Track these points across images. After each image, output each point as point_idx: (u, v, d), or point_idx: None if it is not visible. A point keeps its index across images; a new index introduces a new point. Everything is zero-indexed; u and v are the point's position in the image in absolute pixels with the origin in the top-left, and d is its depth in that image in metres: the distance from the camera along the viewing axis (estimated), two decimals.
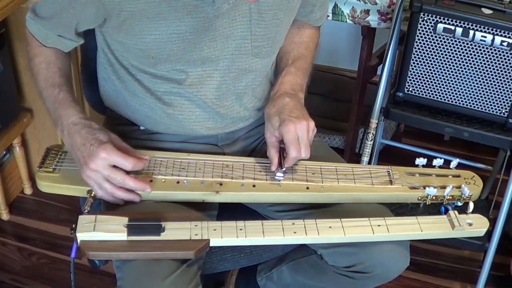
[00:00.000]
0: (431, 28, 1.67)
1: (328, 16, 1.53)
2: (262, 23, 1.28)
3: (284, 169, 1.27)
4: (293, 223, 1.17)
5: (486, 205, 2.01)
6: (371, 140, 1.93)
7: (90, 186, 1.21)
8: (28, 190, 2.30)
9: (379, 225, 1.18)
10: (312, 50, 1.47)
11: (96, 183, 1.19)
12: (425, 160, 1.31)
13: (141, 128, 1.41)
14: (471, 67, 1.68)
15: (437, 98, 1.77)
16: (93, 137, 1.19)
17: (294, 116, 1.26)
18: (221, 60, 1.28)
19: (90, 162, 1.17)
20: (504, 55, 1.63)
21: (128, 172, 1.21)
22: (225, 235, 1.14)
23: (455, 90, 1.74)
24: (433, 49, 1.70)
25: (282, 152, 1.28)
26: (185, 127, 1.36)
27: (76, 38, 1.31)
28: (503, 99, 1.70)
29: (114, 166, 1.18)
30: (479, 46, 1.65)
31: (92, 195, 1.22)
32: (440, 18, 1.64)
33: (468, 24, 1.63)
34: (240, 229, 1.15)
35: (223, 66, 1.29)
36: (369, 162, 1.97)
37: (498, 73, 1.67)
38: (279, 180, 1.27)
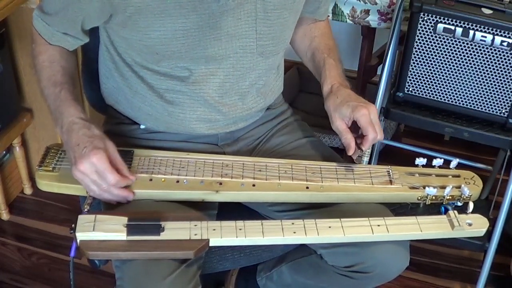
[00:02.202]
0: (431, 28, 1.66)
1: (328, 16, 1.55)
2: (268, 22, 1.28)
3: (363, 151, 1.31)
4: (293, 223, 1.17)
5: (486, 205, 2.01)
6: None
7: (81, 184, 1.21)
8: (28, 190, 2.30)
9: (378, 225, 1.18)
10: (333, 38, 1.52)
11: (85, 184, 1.20)
12: (425, 160, 1.31)
13: (142, 127, 1.41)
14: (471, 67, 1.68)
15: (437, 98, 1.76)
16: (89, 140, 1.19)
17: (362, 102, 1.31)
18: (225, 59, 1.28)
19: (79, 163, 1.17)
20: (504, 55, 1.63)
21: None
22: (225, 235, 1.14)
23: (455, 90, 1.73)
24: (433, 49, 1.69)
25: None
26: (186, 125, 1.36)
27: (81, 36, 1.31)
28: (503, 99, 1.70)
29: None
30: (479, 46, 1.64)
31: None
32: (440, 18, 1.64)
33: (468, 24, 1.63)
34: (240, 229, 1.15)
35: (227, 65, 1.30)
36: (369, 162, 1.97)
37: (498, 73, 1.66)
38: (359, 162, 1.32)
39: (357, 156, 1.31)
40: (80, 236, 1.12)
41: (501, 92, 1.69)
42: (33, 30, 1.34)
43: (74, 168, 1.18)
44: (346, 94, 1.34)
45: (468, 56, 1.67)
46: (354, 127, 1.31)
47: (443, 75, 1.72)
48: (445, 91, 1.75)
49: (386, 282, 1.36)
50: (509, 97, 1.69)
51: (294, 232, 1.16)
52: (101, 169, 1.17)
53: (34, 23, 1.32)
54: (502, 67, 1.65)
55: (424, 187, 1.27)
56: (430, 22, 1.66)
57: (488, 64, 1.66)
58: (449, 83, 1.73)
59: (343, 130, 1.31)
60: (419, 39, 1.69)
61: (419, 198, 1.29)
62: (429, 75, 1.74)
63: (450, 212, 1.21)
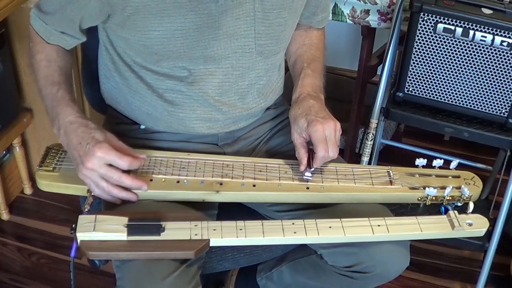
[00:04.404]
0: (431, 28, 1.67)
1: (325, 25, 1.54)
2: (266, 22, 1.28)
3: (312, 169, 1.28)
4: (293, 223, 1.17)
5: (486, 205, 2.01)
6: (371, 140, 1.93)
7: (87, 185, 1.21)
8: (28, 190, 2.30)
9: (379, 225, 1.18)
10: (323, 50, 1.49)
11: (93, 182, 1.19)
12: (425, 160, 1.31)
13: (142, 127, 1.41)
14: (471, 67, 1.68)
15: (437, 98, 1.77)
16: (90, 136, 1.19)
17: (321, 117, 1.28)
18: (224, 58, 1.28)
19: (86, 161, 1.17)
20: (504, 55, 1.63)
21: (128, 172, 1.21)
22: (225, 235, 1.14)
23: (455, 90, 1.74)
24: (433, 49, 1.69)
25: (310, 153, 1.29)
26: (186, 125, 1.36)
27: (79, 35, 1.31)
28: (503, 99, 1.70)
29: (111, 165, 1.19)
30: (479, 46, 1.65)
31: (92, 194, 1.22)
32: (440, 18, 1.64)
33: (468, 24, 1.63)
34: (240, 229, 1.15)
35: (226, 65, 1.30)
36: (369, 162, 1.97)
37: (498, 73, 1.67)
38: (307, 181, 1.28)
39: (306, 174, 1.27)
40: (81, 236, 1.12)
41: (501, 92, 1.69)
42: (30, 29, 1.34)
43: (82, 167, 1.18)
44: (307, 106, 1.31)
45: (468, 56, 1.67)
46: None
47: (443, 75, 1.72)
48: (445, 91, 1.75)
49: (386, 282, 1.36)
50: (509, 97, 1.69)
51: (295, 232, 1.16)
52: (111, 159, 1.17)
53: (32, 22, 1.32)
54: (502, 67, 1.65)
55: (424, 188, 1.28)
56: (430, 22, 1.66)
57: (488, 64, 1.66)
58: (449, 83, 1.73)
59: (297, 144, 1.30)
60: (419, 39, 1.69)
61: (419, 198, 1.29)
62: (429, 75, 1.74)
63: (450, 212, 1.21)
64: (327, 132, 1.26)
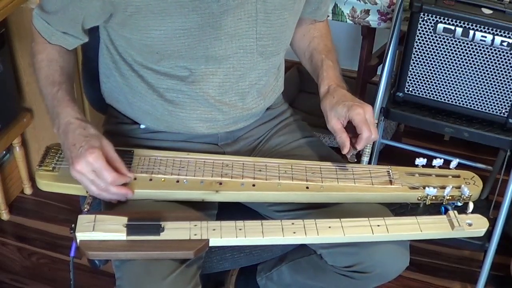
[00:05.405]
0: (431, 28, 1.66)
1: (328, 16, 1.55)
2: (268, 23, 1.29)
3: (355, 152, 1.31)
4: (293, 223, 1.17)
5: (486, 205, 2.01)
6: None
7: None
8: (28, 190, 2.30)
9: (378, 225, 1.18)
10: (331, 39, 1.52)
11: (83, 184, 1.20)
12: (425, 160, 1.31)
13: (142, 126, 1.41)
14: (471, 67, 1.68)
15: (437, 98, 1.76)
16: (85, 139, 1.19)
17: (358, 102, 1.32)
18: (225, 59, 1.29)
19: (76, 163, 1.17)
20: (504, 55, 1.63)
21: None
22: (225, 235, 1.14)
23: (455, 90, 1.74)
24: (433, 49, 1.69)
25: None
26: (186, 125, 1.36)
27: (81, 35, 1.31)
28: (503, 99, 1.70)
29: None
30: (479, 46, 1.64)
31: None
32: (440, 18, 1.64)
33: (468, 24, 1.63)
34: (240, 229, 1.15)
35: (227, 65, 1.30)
36: (369, 162, 1.97)
37: (498, 73, 1.67)
38: (353, 161, 1.32)
39: (351, 155, 1.31)
40: (80, 236, 1.12)
41: (501, 92, 1.69)
42: (32, 29, 1.34)
43: (72, 168, 1.18)
44: (341, 94, 1.35)
45: (468, 56, 1.67)
46: (350, 128, 1.31)
47: (443, 75, 1.72)
48: (445, 91, 1.75)
49: (386, 282, 1.36)
50: (509, 97, 1.69)
51: (294, 232, 1.16)
52: (98, 168, 1.17)
53: (34, 21, 1.32)
54: (502, 67, 1.65)
55: (424, 187, 1.27)
56: (430, 22, 1.66)
57: (488, 64, 1.66)
58: (449, 83, 1.73)
59: (338, 129, 1.31)
60: (419, 39, 1.69)
61: (419, 198, 1.29)
62: (429, 75, 1.74)
63: (450, 212, 1.21)
64: (367, 115, 1.29)
